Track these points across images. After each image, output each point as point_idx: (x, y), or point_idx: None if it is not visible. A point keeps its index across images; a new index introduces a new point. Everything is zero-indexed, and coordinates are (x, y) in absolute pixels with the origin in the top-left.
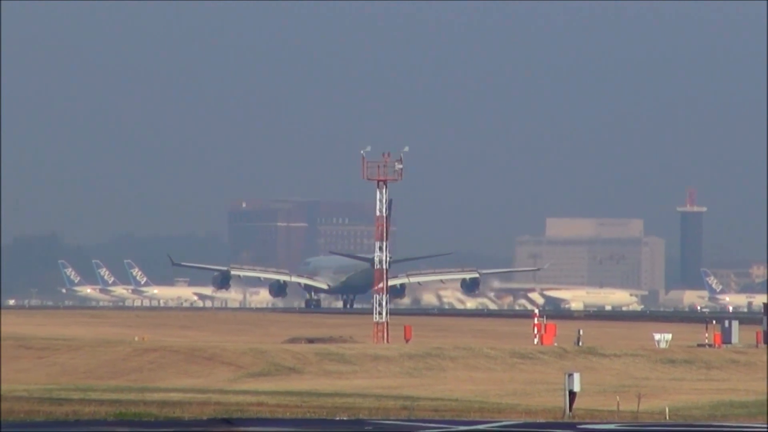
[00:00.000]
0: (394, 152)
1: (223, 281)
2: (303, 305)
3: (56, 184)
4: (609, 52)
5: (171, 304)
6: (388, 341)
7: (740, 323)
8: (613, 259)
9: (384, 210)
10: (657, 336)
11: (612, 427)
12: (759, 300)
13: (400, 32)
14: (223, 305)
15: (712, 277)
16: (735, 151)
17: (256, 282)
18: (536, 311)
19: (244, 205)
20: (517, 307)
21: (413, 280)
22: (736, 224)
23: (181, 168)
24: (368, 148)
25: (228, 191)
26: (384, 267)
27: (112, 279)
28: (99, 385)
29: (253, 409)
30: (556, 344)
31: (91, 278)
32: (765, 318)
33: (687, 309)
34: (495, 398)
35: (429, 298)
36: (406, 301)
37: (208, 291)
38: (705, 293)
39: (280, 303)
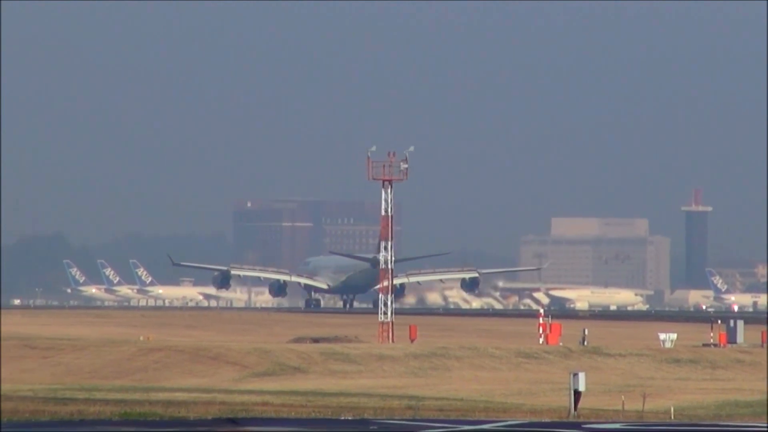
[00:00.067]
0: (400, 152)
1: (223, 281)
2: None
3: (61, 184)
4: (613, 52)
5: (176, 303)
6: (393, 341)
7: (745, 323)
8: (618, 258)
9: (389, 210)
10: (662, 336)
11: (617, 426)
12: (764, 300)
13: (405, 32)
14: (228, 305)
15: (717, 277)
16: (740, 150)
17: (259, 282)
18: (541, 311)
19: (249, 204)
20: (522, 307)
21: (413, 279)
22: (741, 224)
23: (186, 168)
24: (373, 148)
25: (233, 191)
26: (389, 267)
27: (117, 279)
28: (104, 385)
29: (258, 409)
30: (561, 344)
31: (96, 278)
32: None
33: (692, 309)
34: (500, 398)
35: (434, 298)
36: (411, 301)
37: (213, 291)
38: (710, 293)
39: (285, 303)
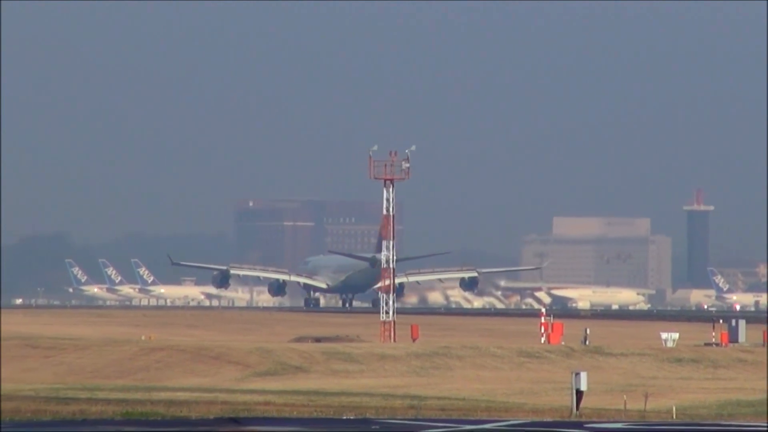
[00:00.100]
0: (401, 151)
1: (223, 280)
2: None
3: (63, 184)
4: (615, 52)
5: (178, 303)
6: (395, 340)
7: (747, 322)
8: (620, 258)
9: (391, 209)
10: (664, 335)
11: (619, 426)
12: (766, 299)
13: (406, 32)
14: (230, 304)
15: (719, 276)
16: (741, 150)
17: (260, 281)
18: (543, 310)
19: (250, 204)
20: (524, 306)
21: (412, 279)
22: (743, 223)
23: (188, 167)
24: (375, 147)
25: (235, 191)
26: (391, 266)
27: (119, 278)
28: (106, 385)
29: (260, 409)
30: (563, 343)
31: (98, 277)
32: None
33: (694, 308)
34: (502, 397)
35: (436, 297)
36: (412, 300)
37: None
38: (712, 292)
39: (286, 302)
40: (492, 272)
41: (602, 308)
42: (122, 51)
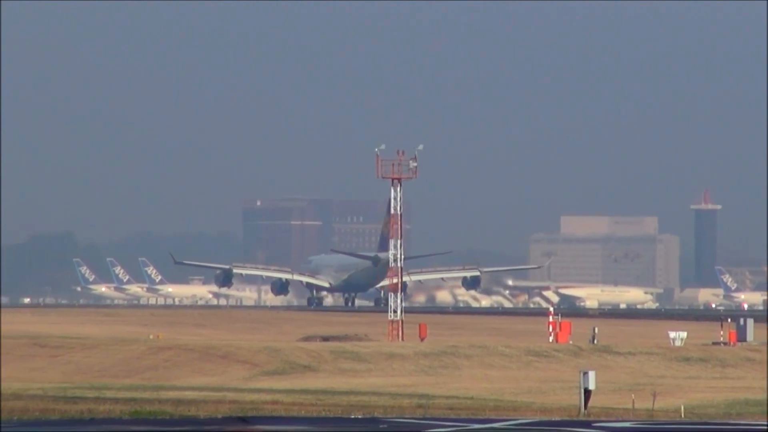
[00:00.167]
0: (409, 150)
1: (225, 279)
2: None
3: (71, 183)
4: (618, 51)
5: (186, 302)
6: (403, 339)
7: (755, 321)
8: (627, 257)
9: (398, 208)
10: (672, 334)
11: (627, 425)
12: None
13: (414, 31)
14: (238, 303)
15: (727, 275)
16: (749, 149)
17: (265, 280)
18: (551, 309)
19: (258, 203)
20: (531, 305)
21: (414, 278)
22: (751, 222)
23: (196, 167)
24: (383, 146)
25: (242, 189)
26: (399, 265)
27: (127, 277)
28: (114, 384)
29: (268, 408)
30: (571, 342)
31: (105, 276)
32: None
33: (702, 307)
34: (510, 396)
35: (443, 297)
36: (420, 299)
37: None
38: (720, 291)
39: (294, 301)
40: (494, 271)
41: (610, 307)
42: (124, 51)
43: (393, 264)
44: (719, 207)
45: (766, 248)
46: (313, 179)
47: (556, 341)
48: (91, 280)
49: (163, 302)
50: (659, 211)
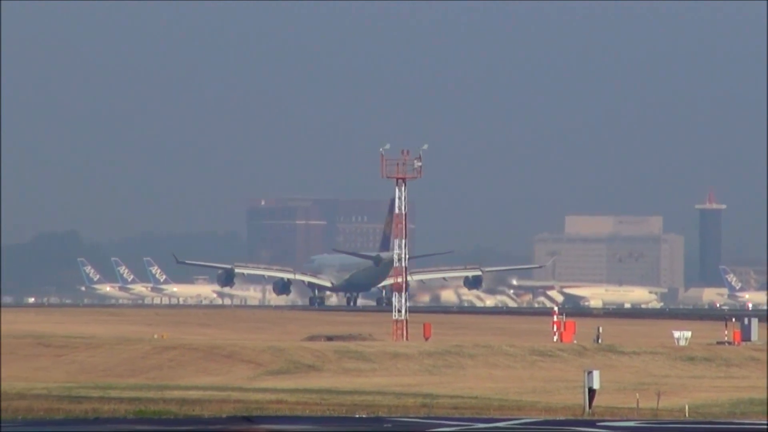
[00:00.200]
0: (413, 150)
1: (227, 279)
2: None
3: (76, 183)
4: (620, 51)
5: (190, 302)
6: (407, 339)
7: (760, 321)
8: (632, 256)
9: (403, 207)
10: (676, 333)
11: (632, 424)
12: None
13: (419, 30)
14: (243, 303)
15: (731, 275)
16: (754, 148)
17: (264, 280)
18: (555, 309)
19: (262, 203)
20: (536, 305)
21: (416, 278)
22: (756, 222)
23: (201, 166)
24: (387, 146)
25: (247, 189)
26: (403, 264)
27: (132, 277)
28: (118, 383)
29: (273, 407)
30: (575, 342)
31: (110, 276)
32: None
33: (706, 306)
34: (514, 396)
35: (448, 296)
36: (425, 299)
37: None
38: (724, 291)
39: (298, 301)
40: (496, 270)
41: (614, 307)
42: (125, 51)
43: (398, 264)
44: (724, 206)
45: (766, 248)
46: (318, 179)
47: (561, 341)
48: (95, 279)
49: (167, 302)
50: (664, 211)
